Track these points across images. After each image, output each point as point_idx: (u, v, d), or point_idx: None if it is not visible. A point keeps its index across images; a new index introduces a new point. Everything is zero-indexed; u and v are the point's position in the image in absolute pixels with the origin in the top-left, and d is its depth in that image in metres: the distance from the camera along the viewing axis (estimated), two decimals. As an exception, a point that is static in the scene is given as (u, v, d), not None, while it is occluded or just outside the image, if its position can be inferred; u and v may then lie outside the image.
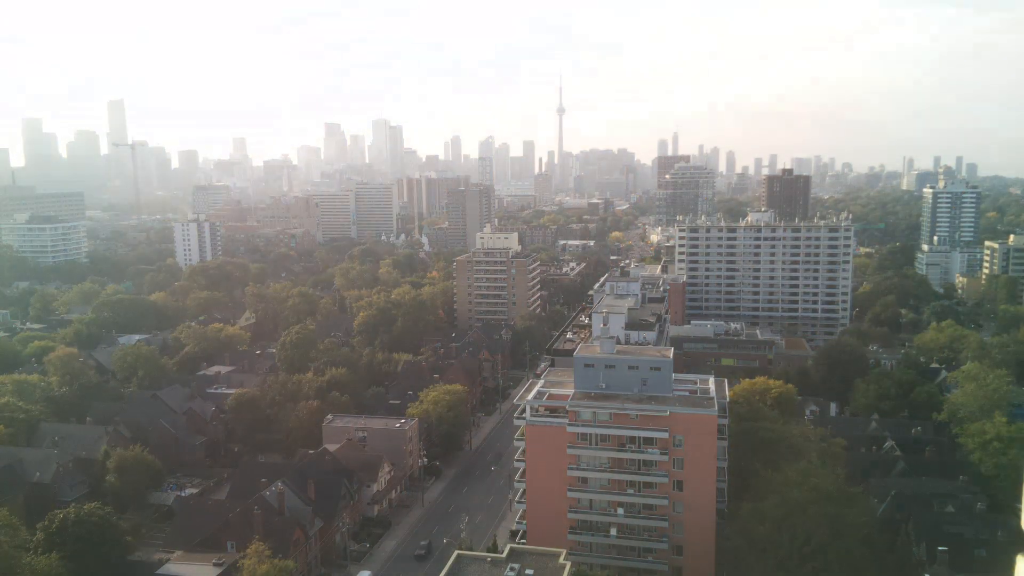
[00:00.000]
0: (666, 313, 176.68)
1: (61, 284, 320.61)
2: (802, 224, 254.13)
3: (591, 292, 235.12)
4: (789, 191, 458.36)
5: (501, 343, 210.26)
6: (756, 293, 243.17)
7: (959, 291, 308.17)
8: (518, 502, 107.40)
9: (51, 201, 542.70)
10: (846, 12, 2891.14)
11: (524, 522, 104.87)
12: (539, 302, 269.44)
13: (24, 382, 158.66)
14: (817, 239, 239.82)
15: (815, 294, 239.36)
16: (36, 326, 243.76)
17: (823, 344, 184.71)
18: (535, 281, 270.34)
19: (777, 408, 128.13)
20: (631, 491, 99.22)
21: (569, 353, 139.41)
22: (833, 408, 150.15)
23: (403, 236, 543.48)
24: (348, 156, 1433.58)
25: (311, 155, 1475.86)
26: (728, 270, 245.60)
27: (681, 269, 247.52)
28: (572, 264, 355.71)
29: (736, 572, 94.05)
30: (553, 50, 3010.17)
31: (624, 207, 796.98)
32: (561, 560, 73.88)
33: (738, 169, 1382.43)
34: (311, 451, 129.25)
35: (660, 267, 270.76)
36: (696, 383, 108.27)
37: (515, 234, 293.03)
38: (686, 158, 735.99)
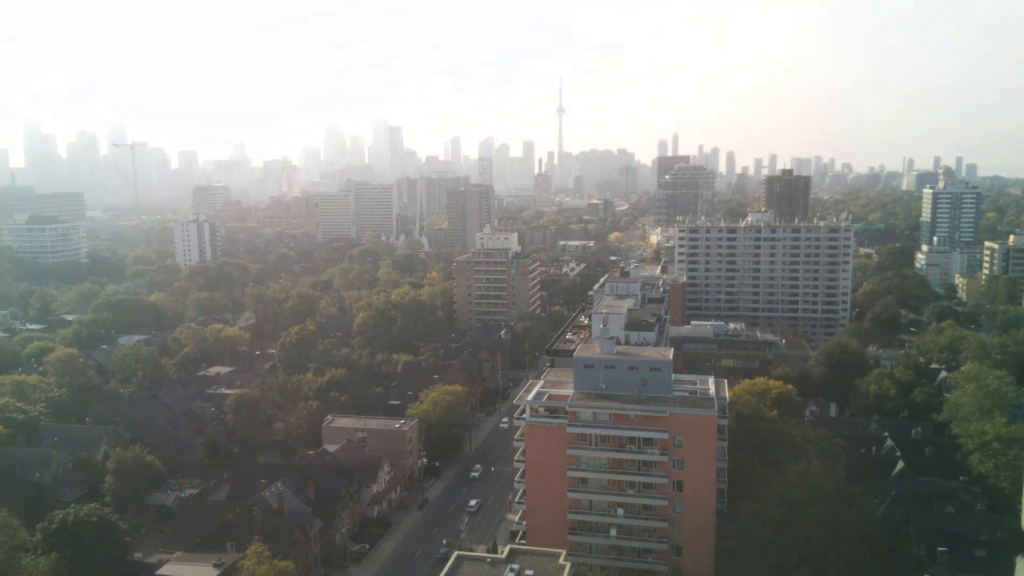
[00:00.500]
0: (666, 313, 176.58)
1: (61, 285, 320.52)
2: (802, 225, 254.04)
3: (591, 293, 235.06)
4: (789, 191, 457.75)
5: (501, 343, 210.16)
6: (756, 293, 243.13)
7: (959, 291, 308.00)
8: (518, 502, 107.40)
9: (51, 202, 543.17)
10: (846, 12, 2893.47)
11: (524, 522, 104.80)
12: (539, 302, 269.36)
13: (23, 383, 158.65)
14: (817, 239, 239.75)
15: (815, 294, 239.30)
16: (36, 327, 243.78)
17: (823, 345, 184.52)
18: (535, 281, 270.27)
19: (777, 409, 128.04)
20: (631, 492, 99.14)
21: (569, 353, 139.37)
22: (833, 408, 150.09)
23: (403, 236, 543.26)
24: (348, 156, 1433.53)
25: (311, 155, 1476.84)
26: (728, 270, 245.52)
27: (681, 269, 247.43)
28: (572, 264, 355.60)
29: (736, 572, 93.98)
30: (553, 50, 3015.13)
31: (624, 207, 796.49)
32: (561, 561, 73.79)
33: (738, 169, 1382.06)
34: (311, 451, 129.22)
35: (660, 268, 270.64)
36: (696, 384, 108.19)
37: (515, 234, 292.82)
38: (686, 158, 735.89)
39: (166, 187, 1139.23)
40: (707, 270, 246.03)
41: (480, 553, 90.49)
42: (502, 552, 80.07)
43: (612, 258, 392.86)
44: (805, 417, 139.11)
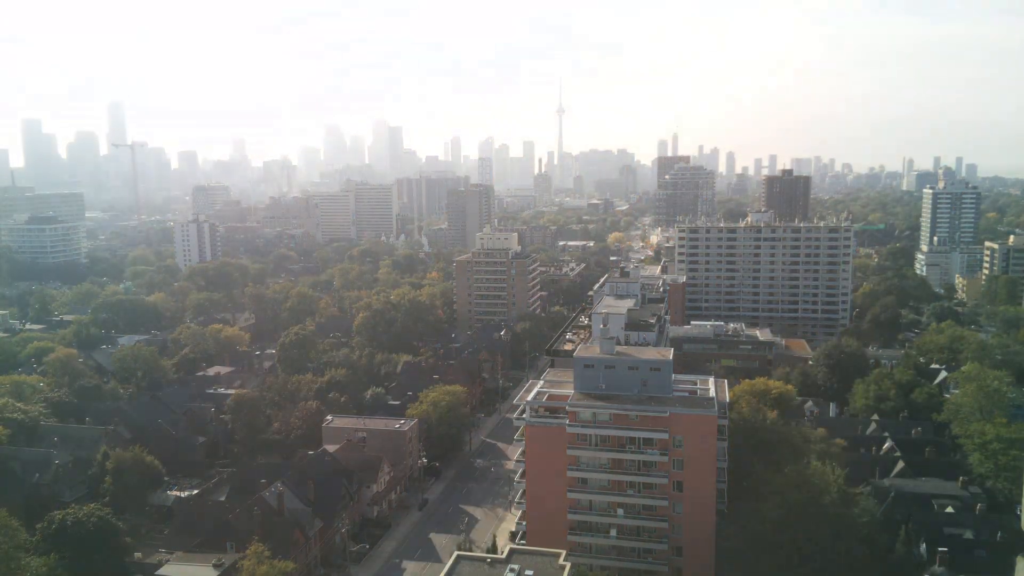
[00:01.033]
0: (666, 314, 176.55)
1: (61, 285, 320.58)
2: (802, 225, 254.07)
3: (591, 293, 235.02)
4: (789, 192, 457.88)
5: (501, 343, 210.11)
6: (756, 294, 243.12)
7: (959, 291, 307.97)
8: (518, 503, 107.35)
9: (51, 202, 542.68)
10: (846, 13, 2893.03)
11: (524, 522, 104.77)
12: (539, 303, 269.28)
13: (23, 383, 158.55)
14: (817, 240, 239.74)
15: (815, 295, 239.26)
16: (35, 327, 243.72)
17: (823, 345, 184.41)
18: (535, 282, 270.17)
19: (777, 409, 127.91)
20: (631, 492, 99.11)
21: (569, 354, 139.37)
22: (833, 409, 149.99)
23: (403, 236, 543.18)
24: (348, 156, 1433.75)
25: (311, 155, 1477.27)
26: (728, 271, 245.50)
27: (681, 269, 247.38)
28: (572, 265, 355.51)
29: (736, 572, 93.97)
30: (553, 50, 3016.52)
31: (624, 207, 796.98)
32: (561, 561, 73.73)
33: (738, 169, 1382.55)
34: (311, 452, 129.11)
35: (660, 268, 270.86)
36: (696, 384, 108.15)
37: (515, 234, 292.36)
38: (686, 158, 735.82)
39: (166, 187, 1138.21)
40: (707, 270, 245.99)
41: (480, 553, 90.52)
42: (502, 552, 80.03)
43: (612, 258, 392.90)
44: (805, 417, 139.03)
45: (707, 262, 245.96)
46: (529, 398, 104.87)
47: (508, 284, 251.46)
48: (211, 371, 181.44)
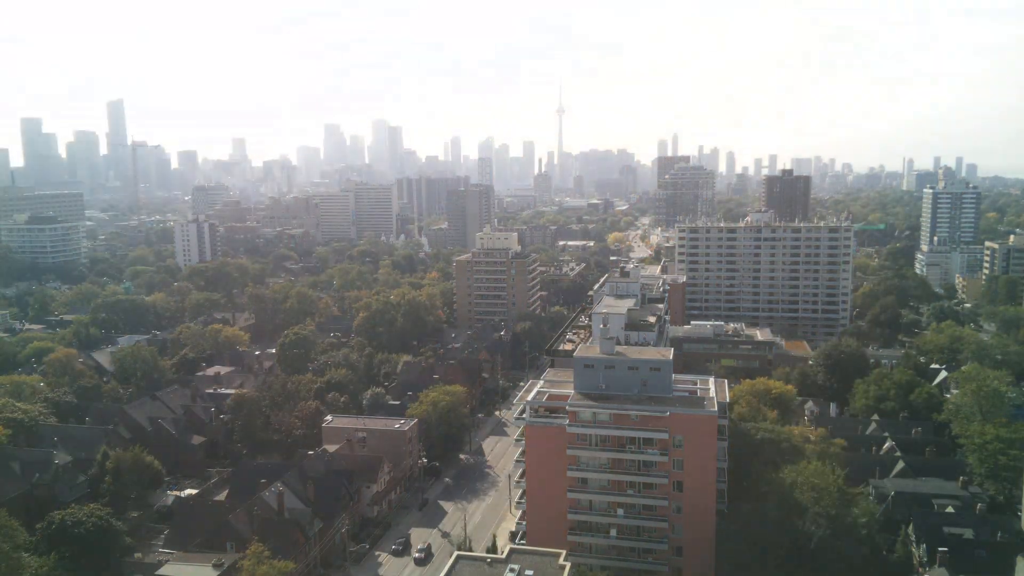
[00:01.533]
0: (666, 313, 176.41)
1: (60, 285, 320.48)
2: (802, 225, 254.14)
3: (591, 293, 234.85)
4: (789, 192, 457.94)
5: (501, 343, 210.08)
6: (756, 294, 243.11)
7: (959, 291, 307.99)
8: (518, 503, 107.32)
9: (50, 201, 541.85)
10: (846, 12, 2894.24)
11: (524, 522, 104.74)
12: (539, 302, 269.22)
13: (23, 383, 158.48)
14: (817, 240, 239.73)
15: (815, 295, 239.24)
16: (35, 327, 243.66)
17: (823, 345, 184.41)
18: (535, 281, 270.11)
19: (777, 409, 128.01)
20: (631, 492, 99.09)
21: (569, 354, 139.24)
22: (833, 408, 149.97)
23: (402, 236, 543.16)
24: (347, 156, 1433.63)
25: (311, 155, 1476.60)
26: (728, 271, 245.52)
27: (681, 269, 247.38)
28: (572, 264, 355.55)
29: (736, 573, 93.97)
30: (553, 50, 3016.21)
31: (624, 207, 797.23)
32: (561, 561, 73.69)
33: (738, 169, 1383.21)
34: (311, 452, 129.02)
35: (660, 267, 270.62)
36: (696, 384, 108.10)
37: (515, 234, 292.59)
38: (686, 158, 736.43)
39: (166, 187, 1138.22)
40: (707, 270, 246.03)
41: (480, 553, 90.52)
42: (502, 552, 80.00)
43: (612, 258, 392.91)
44: (805, 417, 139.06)
45: (707, 262, 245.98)
46: (529, 398, 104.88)
47: (508, 284, 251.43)
48: (211, 371, 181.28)
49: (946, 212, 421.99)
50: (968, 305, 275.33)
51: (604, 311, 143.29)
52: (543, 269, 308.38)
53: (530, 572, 70.72)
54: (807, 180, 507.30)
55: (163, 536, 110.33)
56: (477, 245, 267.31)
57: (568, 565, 73.00)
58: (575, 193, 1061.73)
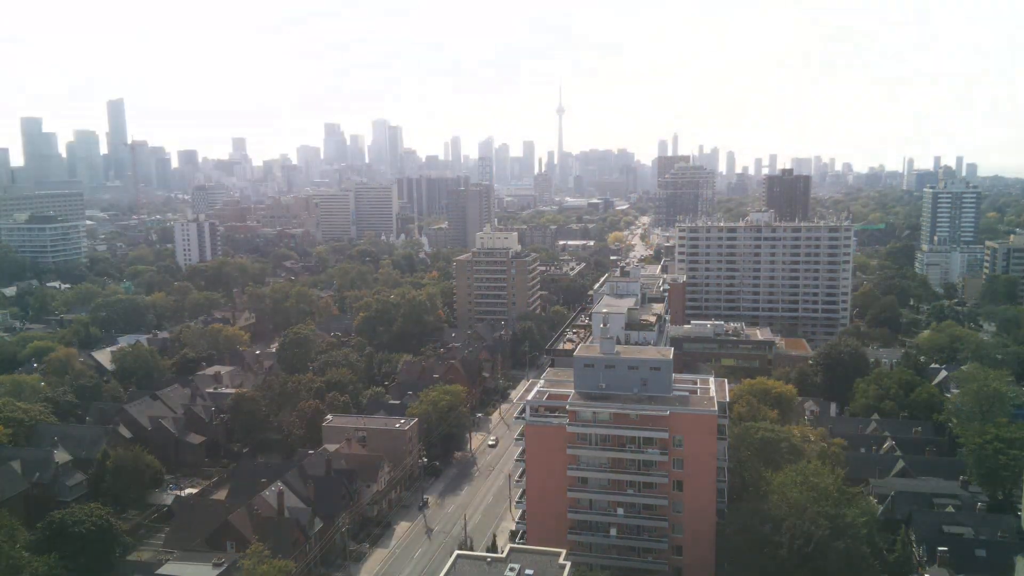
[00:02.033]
0: (666, 313, 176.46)
1: (60, 284, 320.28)
2: (802, 224, 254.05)
3: (591, 292, 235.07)
4: (789, 191, 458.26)
5: (501, 343, 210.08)
6: (756, 293, 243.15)
7: (959, 291, 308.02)
8: (518, 502, 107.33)
9: (50, 201, 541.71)
10: (846, 12, 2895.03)
11: (524, 522, 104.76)
12: (539, 302, 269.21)
13: (23, 382, 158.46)
14: (817, 239, 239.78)
15: (815, 294, 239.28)
16: (35, 326, 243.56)
17: (823, 344, 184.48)
18: (535, 281, 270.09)
19: (777, 408, 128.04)
20: (631, 491, 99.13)
21: (569, 353, 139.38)
22: (833, 408, 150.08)
23: (403, 236, 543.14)
24: (348, 156, 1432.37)
25: (311, 155, 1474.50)
26: (728, 270, 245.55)
27: (681, 269, 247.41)
28: (572, 264, 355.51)
29: (736, 572, 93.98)
30: (553, 50, 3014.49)
31: (624, 207, 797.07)
32: (561, 560, 73.65)
33: (738, 169, 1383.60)
34: (311, 451, 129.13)
35: (660, 267, 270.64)
36: (696, 383, 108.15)
37: (515, 234, 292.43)
38: (686, 158, 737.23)
39: (166, 186, 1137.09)
40: (707, 270, 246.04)
41: (480, 553, 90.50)
42: (502, 551, 80.00)
43: (612, 258, 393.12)
44: (805, 417, 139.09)
45: (707, 262, 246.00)
46: (529, 398, 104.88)
47: (508, 284, 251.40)
48: (211, 371, 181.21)
49: (946, 212, 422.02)
50: (966, 306, 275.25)
51: (604, 311, 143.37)
52: (543, 269, 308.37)
53: (530, 571, 70.69)
54: (807, 180, 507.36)
55: (163, 536, 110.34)
56: (477, 245, 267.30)
57: (568, 564, 72.96)
58: (575, 193, 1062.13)
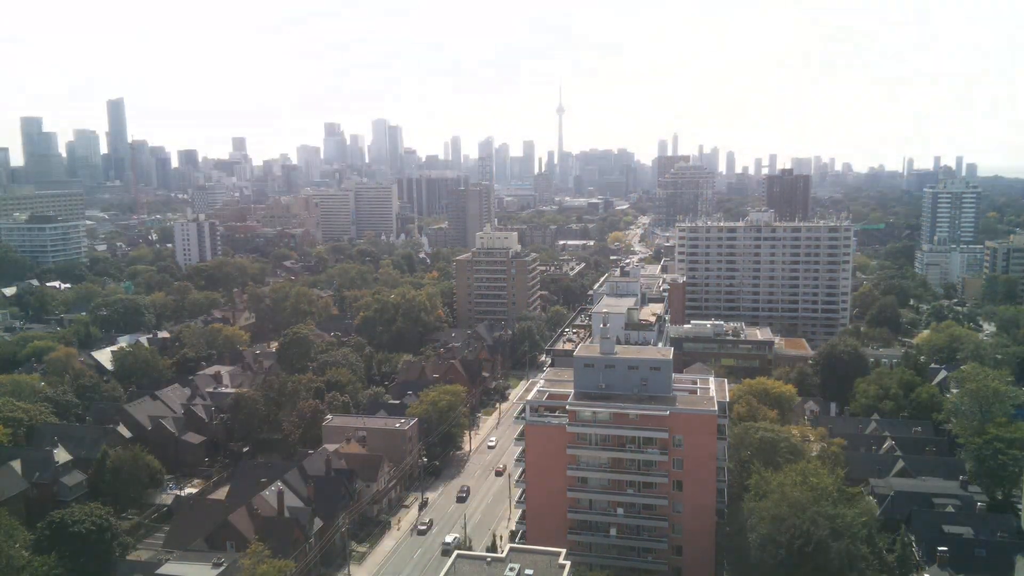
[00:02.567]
0: (666, 313, 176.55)
1: (60, 284, 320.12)
2: (802, 224, 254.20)
3: (591, 292, 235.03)
4: (789, 191, 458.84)
5: (501, 343, 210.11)
6: (756, 293, 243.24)
7: (959, 291, 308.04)
8: (518, 502, 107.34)
9: (50, 201, 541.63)
10: (846, 12, 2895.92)
11: (524, 522, 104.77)
12: (539, 302, 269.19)
13: (23, 382, 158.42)
14: (817, 239, 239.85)
15: (815, 294, 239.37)
16: (35, 326, 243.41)
17: (823, 344, 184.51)
18: (535, 281, 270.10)
19: (777, 408, 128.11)
20: (631, 491, 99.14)
21: (569, 353, 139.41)
22: (833, 408, 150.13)
23: (403, 236, 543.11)
24: (348, 156, 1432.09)
25: (311, 155, 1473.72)
26: (728, 270, 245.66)
27: (681, 269, 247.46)
28: (572, 264, 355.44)
29: (736, 572, 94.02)
30: (553, 50, 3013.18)
31: (624, 207, 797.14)
32: (561, 560, 73.69)
33: (738, 169, 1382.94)
34: (311, 451, 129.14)
35: (660, 267, 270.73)
36: (696, 383, 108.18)
37: (515, 234, 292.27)
38: (686, 158, 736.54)
39: (166, 186, 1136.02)
40: (707, 270, 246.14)
41: (480, 553, 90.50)
42: (502, 551, 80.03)
43: (612, 258, 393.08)
44: (805, 417, 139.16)
45: (707, 262, 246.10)
46: (529, 398, 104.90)
47: (508, 284, 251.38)
48: (211, 370, 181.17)
49: (946, 212, 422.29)
50: (966, 306, 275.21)
51: (604, 311, 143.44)
52: (543, 269, 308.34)
53: (530, 571, 70.72)
54: (807, 180, 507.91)
55: (163, 536, 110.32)
56: (477, 245, 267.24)
57: (568, 564, 73.00)
58: (575, 193, 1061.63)
